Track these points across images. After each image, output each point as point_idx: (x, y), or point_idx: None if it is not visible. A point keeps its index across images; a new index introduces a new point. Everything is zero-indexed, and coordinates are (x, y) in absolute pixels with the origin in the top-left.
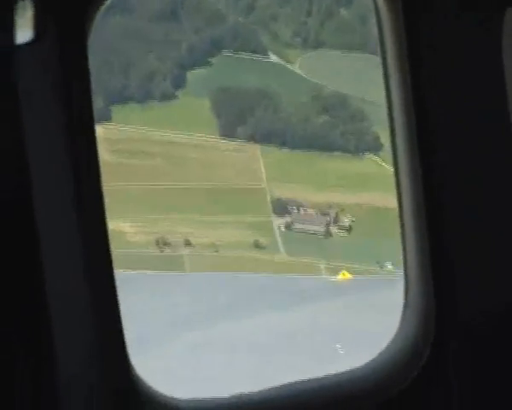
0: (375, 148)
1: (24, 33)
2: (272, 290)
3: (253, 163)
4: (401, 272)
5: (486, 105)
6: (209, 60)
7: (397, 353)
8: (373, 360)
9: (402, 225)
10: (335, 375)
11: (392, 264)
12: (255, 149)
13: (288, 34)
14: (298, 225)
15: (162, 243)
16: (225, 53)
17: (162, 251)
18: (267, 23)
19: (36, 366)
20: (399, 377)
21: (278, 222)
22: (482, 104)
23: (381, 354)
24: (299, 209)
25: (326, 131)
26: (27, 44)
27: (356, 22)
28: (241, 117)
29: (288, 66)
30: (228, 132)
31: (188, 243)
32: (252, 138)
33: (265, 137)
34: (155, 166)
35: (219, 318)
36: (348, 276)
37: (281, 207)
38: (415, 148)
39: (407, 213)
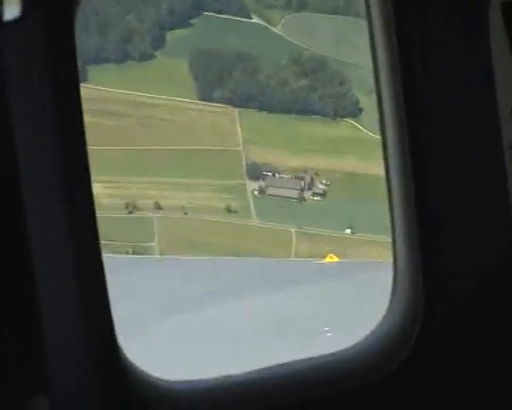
0: (354, 112)
1: (10, 10)
2: (258, 274)
3: (230, 126)
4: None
5: (475, 76)
6: (190, 21)
7: (386, 334)
8: (362, 341)
9: (390, 203)
10: (324, 356)
11: (352, 232)
12: (233, 112)
13: None
14: (272, 190)
15: (132, 207)
16: (207, 14)
17: (131, 213)
18: None
19: (22, 354)
20: (389, 357)
21: (252, 186)
22: (470, 74)
23: (369, 335)
24: (274, 174)
25: (305, 94)
26: (14, 22)
27: None
28: (218, 79)
29: (271, 27)
30: (205, 95)
31: (158, 207)
32: (229, 101)
33: (243, 100)
34: (129, 127)
35: (205, 303)
36: (335, 259)
37: (255, 172)
38: (403, 119)
39: (395, 190)
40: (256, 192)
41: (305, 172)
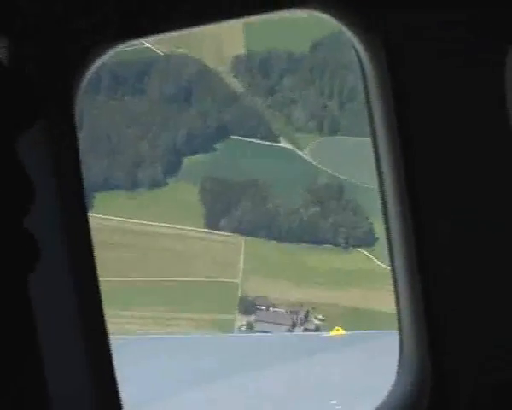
0: (368, 241)
1: None
2: (266, 348)
3: (233, 256)
4: None
5: (485, 151)
6: (214, 145)
7: (394, 407)
8: None
9: (394, 277)
10: None
11: None
12: (239, 242)
13: (303, 118)
14: (260, 326)
15: None
16: (233, 138)
17: None
18: (284, 106)
19: None
20: None
21: (242, 321)
22: (480, 149)
23: (378, 408)
24: (267, 308)
25: (315, 222)
26: None
27: None
28: (226, 207)
29: (297, 151)
30: (213, 223)
31: None
32: (236, 230)
33: (251, 229)
34: (128, 258)
35: (212, 378)
36: (342, 331)
37: (248, 305)
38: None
39: (398, 260)
40: (243, 327)
41: (301, 305)
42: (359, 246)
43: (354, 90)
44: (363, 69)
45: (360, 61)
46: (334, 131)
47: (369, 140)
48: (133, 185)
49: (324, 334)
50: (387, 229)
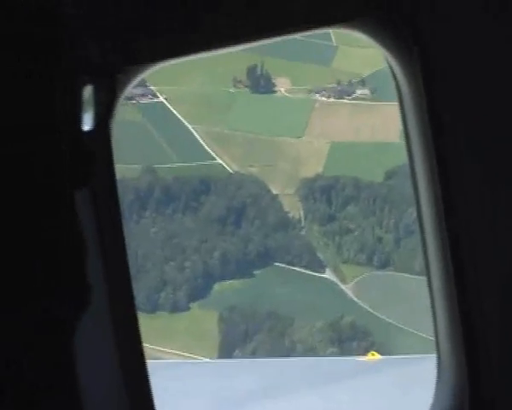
0: None
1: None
2: (300, 373)
3: None
4: None
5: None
6: (255, 271)
7: None
8: None
9: (431, 297)
10: None
11: None
12: None
13: (353, 249)
14: None
15: None
16: (276, 264)
17: None
18: (338, 235)
19: None
20: None
21: None
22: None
23: None
24: None
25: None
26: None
27: None
28: (243, 339)
29: (340, 284)
30: (227, 354)
31: None
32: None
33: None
34: None
35: (250, 401)
36: (377, 356)
37: None
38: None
39: (436, 284)
40: None
41: None
42: None
43: (412, 225)
44: (400, 93)
45: (398, 85)
46: (384, 266)
47: (420, 278)
48: (153, 308)
49: (358, 358)
50: (424, 245)
